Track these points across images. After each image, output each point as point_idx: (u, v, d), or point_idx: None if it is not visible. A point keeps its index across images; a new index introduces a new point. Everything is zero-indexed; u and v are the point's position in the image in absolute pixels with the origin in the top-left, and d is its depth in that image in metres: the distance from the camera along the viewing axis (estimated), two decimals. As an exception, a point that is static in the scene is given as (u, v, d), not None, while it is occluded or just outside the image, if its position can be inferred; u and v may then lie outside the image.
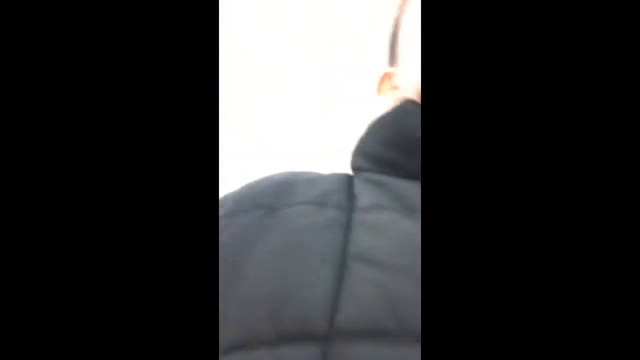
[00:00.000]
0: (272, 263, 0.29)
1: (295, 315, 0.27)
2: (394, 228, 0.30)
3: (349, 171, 0.42)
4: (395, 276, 0.28)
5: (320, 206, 0.32)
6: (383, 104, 0.43)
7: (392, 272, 0.28)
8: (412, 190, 0.33)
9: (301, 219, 0.32)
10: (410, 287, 0.28)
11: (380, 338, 0.26)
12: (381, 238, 0.30)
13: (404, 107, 0.39)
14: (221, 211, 0.34)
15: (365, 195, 0.33)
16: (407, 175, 0.35)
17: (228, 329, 0.28)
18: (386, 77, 0.47)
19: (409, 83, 0.41)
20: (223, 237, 0.32)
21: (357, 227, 0.30)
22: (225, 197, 0.36)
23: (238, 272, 0.30)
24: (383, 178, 0.35)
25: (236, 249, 0.31)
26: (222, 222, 0.33)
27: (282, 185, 0.35)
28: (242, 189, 0.36)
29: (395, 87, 0.44)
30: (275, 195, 0.34)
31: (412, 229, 0.30)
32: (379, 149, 0.38)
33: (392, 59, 0.47)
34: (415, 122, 0.36)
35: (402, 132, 0.37)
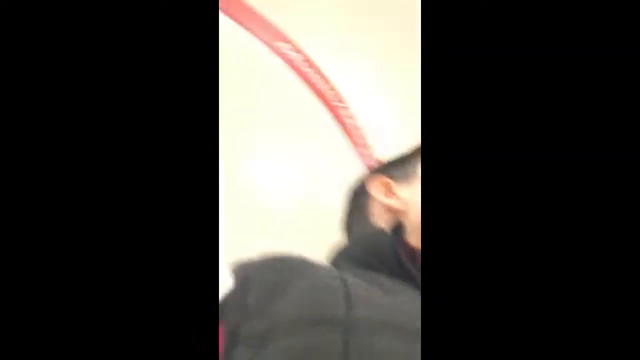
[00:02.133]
0: (304, 295, 0.43)
1: (327, 315, 0.41)
2: (379, 296, 0.46)
3: None
4: (387, 310, 0.43)
5: (328, 271, 0.48)
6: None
7: (382, 308, 0.43)
8: (382, 281, 0.50)
9: (317, 276, 0.46)
10: (399, 320, 0.42)
11: (382, 329, 0.40)
12: (368, 292, 0.45)
13: (376, 232, 0.59)
14: (254, 263, 0.49)
15: (351, 278, 0.47)
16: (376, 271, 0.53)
17: (279, 325, 0.40)
18: (390, 186, 0.64)
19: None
20: (261, 279, 0.46)
21: (353, 288, 0.44)
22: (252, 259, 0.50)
23: (276, 297, 0.43)
24: (360, 272, 0.51)
25: (273, 286, 0.44)
26: (258, 269, 0.47)
27: (297, 257, 0.50)
28: (268, 256, 0.50)
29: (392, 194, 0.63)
30: (295, 262, 0.49)
31: (390, 300, 0.45)
32: (358, 254, 0.57)
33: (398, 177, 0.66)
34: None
35: (376, 247, 0.56)
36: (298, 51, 1.81)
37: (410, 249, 0.56)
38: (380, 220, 0.62)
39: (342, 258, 0.58)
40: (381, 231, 0.59)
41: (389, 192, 0.63)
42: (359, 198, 0.68)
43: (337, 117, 1.89)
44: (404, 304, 0.45)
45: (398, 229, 0.58)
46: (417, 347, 0.38)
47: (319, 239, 0.73)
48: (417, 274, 0.52)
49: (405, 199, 0.61)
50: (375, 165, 0.69)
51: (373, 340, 0.39)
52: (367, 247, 0.57)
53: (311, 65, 1.84)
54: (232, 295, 0.45)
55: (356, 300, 0.43)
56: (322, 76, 1.85)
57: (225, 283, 0.46)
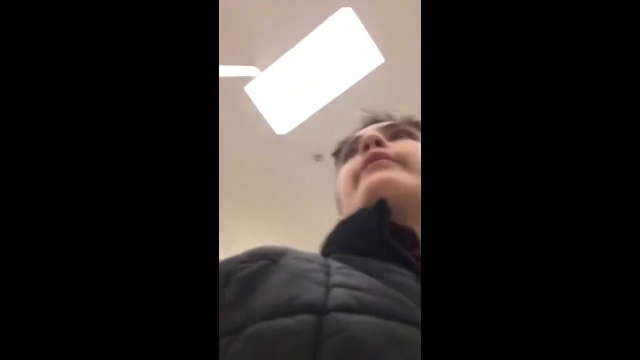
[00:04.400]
0: (281, 285, 0.43)
1: (302, 301, 0.40)
2: (357, 276, 0.45)
3: None
4: (364, 292, 0.42)
5: (309, 261, 0.47)
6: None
7: (360, 291, 0.42)
8: (365, 262, 0.49)
9: (296, 264, 0.46)
10: (375, 298, 0.41)
11: (354, 312, 0.39)
12: (350, 279, 0.44)
13: (358, 213, 0.57)
14: (236, 259, 0.48)
15: (336, 263, 0.48)
16: (362, 254, 0.52)
17: (255, 313, 0.40)
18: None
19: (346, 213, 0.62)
20: (240, 274, 0.45)
21: (334, 274, 0.45)
22: (237, 255, 0.50)
23: (254, 291, 0.43)
24: (346, 256, 0.51)
25: (252, 280, 0.44)
26: (239, 266, 0.46)
27: (281, 249, 0.50)
28: (250, 251, 0.49)
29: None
30: (277, 254, 0.48)
31: (372, 281, 0.44)
32: (344, 240, 0.55)
33: (340, 211, 0.69)
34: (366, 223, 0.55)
35: (360, 228, 0.55)
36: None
37: (395, 227, 0.55)
38: (364, 198, 0.60)
39: (329, 244, 0.56)
40: (364, 210, 0.57)
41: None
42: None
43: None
44: (386, 284, 0.44)
45: (382, 206, 0.56)
46: (393, 325, 0.39)
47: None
48: (403, 251, 0.51)
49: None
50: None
51: (349, 321, 0.38)
52: (351, 229, 0.56)
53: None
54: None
55: (334, 285, 0.42)
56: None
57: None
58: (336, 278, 0.44)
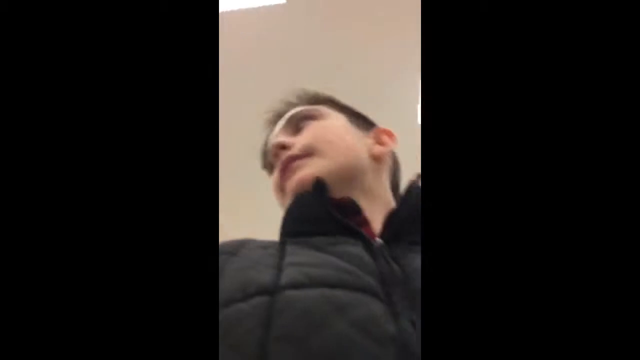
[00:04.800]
0: (238, 271, 0.47)
1: (255, 284, 0.43)
2: (307, 254, 0.49)
3: None
4: (313, 267, 0.45)
5: (264, 248, 0.52)
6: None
7: (310, 266, 0.46)
8: (315, 240, 0.53)
9: (253, 252, 0.51)
10: (323, 271, 0.45)
11: (303, 287, 0.43)
12: (301, 257, 0.48)
13: (299, 198, 0.60)
14: None
15: (290, 246, 0.52)
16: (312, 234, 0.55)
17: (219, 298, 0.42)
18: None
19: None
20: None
21: (287, 256, 0.48)
22: None
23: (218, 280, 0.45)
24: (299, 239, 0.54)
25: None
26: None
27: (240, 240, 0.54)
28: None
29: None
30: (236, 247, 0.53)
31: (321, 256, 0.48)
32: (294, 225, 0.59)
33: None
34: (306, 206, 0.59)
35: (303, 212, 0.59)
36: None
37: (338, 202, 0.58)
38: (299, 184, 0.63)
39: (282, 233, 0.59)
40: (303, 195, 0.60)
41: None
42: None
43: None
44: (334, 255, 0.48)
45: (319, 185, 0.59)
46: (339, 294, 0.41)
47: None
48: (346, 221, 0.54)
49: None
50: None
51: (298, 296, 0.41)
52: (297, 214, 0.59)
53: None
54: None
55: (286, 265, 0.46)
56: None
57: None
58: (288, 259, 0.47)
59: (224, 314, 0.41)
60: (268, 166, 0.72)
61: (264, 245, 0.52)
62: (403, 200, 0.58)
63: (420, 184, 0.60)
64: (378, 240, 0.53)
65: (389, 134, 0.71)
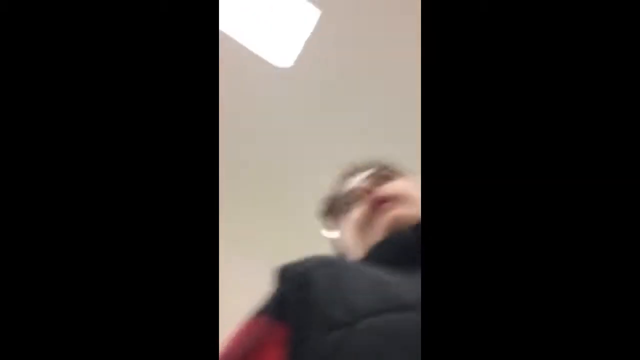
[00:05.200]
0: (369, 287, 0.48)
1: (398, 300, 0.45)
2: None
3: None
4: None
5: (373, 267, 0.55)
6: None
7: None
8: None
9: (369, 271, 0.53)
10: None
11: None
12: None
13: (399, 234, 0.65)
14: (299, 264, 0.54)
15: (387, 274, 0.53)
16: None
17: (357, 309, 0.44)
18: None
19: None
20: (316, 274, 0.51)
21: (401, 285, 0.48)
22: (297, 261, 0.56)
23: (339, 291, 0.47)
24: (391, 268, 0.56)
25: (332, 280, 0.50)
26: (305, 268, 0.52)
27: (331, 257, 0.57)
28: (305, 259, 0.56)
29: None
30: (330, 262, 0.54)
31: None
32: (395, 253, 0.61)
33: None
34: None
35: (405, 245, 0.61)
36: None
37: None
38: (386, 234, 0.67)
39: (374, 258, 0.62)
40: (406, 230, 0.63)
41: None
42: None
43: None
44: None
45: (418, 227, 0.62)
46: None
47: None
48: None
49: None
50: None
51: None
52: (396, 246, 0.62)
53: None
54: (292, 292, 0.49)
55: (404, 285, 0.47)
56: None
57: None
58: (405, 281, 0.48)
59: (378, 320, 0.42)
60: (343, 209, 0.76)
61: (370, 267, 0.55)
62: None
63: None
64: None
65: None
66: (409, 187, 0.72)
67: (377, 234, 0.66)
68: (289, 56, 1.86)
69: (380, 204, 0.69)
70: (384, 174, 0.76)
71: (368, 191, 0.71)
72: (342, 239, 0.75)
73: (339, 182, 0.81)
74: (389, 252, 0.62)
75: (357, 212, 0.71)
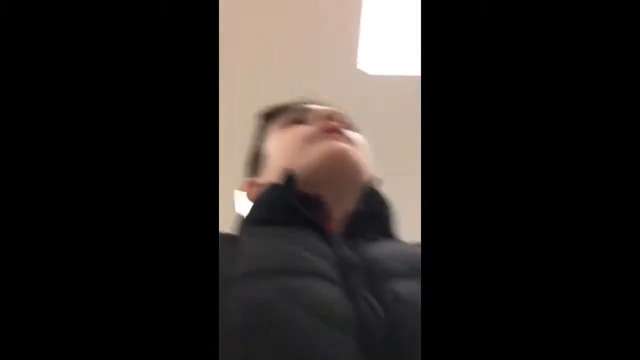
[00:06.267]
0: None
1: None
2: (263, 245, 0.51)
3: None
4: (264, 259, 0.47)
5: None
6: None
7: (262, 258, 0.47)
8: (273, 231, 0.55)
9: None
10: (276, 261, 0.46)
11: (256, 276, 0.44)
12: (255, 249, 0.49)
13: (269, 186, 0.63)
14: None
15: (246, 237, 0.54)
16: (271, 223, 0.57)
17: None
18: (252, 184, 0.72)
19: (275, 175, 0.65)
20: None
21: (242, 247, 0.50)
22: None
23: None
24: (258, 229, 0.57)
25: None
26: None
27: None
28: None
29: (259, 186, 0.68)
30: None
31: (274, 244, 0.50)
32: (257, 213, 0.61)
33: (255, 171, 0.73)
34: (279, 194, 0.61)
35: (271, 199, 0.61)
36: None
37: (304, 195, 0.60)
38: (320, 160, 0.64)
39: (245, 220, 0.62)
40: (274, 185, 0.62)
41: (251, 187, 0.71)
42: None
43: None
44: (289, 245, 0.49)
45: (290, 179, 0.61)
46: (288, 282, 0.42)
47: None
48: (310, 214, 0.56)
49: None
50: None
51: (248, 287, 0.42)
52: (262, 204, 0.62)
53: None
54: None
55: (242, 256, 0.47)
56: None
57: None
58: (244, 248, 0.49)
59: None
60: (292, 119, 0.72)
61: (221, 237, 0.53)
62: (361, 199, 0.61)
63: (375, 186, 0.63)
64: (336, 232, 0.56)
65: None
66: (362, 142, 0.70)
67: (308, 158, 0.64)
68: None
69: (331, 131, 0.66)
70: (348, 123, 0.72)
71: (328, 117, 0.68)
72: (266, 148, 0.72)
73: (300, 101, 0.77)
74: (253, 211, 0.62)
75: (302, 129, 0.68)
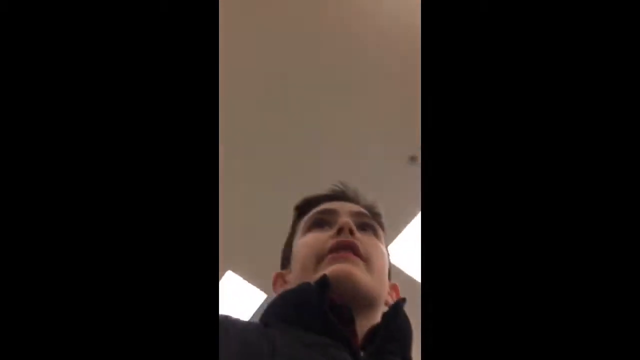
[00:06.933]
0: (238, 355, 0.51)
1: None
2: (300, 350, 0.54)
3: None
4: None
5: (255, 332, 0.56)
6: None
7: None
8: (304, 334, 0.57)
9: (244, 335, 0.55)
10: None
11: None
12: (294, 352, 0.53)
13: (301, 287, 0.64)
14: None
15: (279, 337, 0.55)
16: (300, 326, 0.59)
17: None
18: (280, 276, 0.73)
19: (296, 278, 0.68)
20: None
21: (280, 347, 0.53)
22: None
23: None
24: (287, 327, 0.58)
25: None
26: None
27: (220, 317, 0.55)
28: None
29: (286, 282, 0.71)
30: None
31: (310, 355, 0.53)
32: (285, 310, 0.62)
33: (285, 264, 0.74)
34: (305, 296, 0.62)
35: (301, 301, 0.61)
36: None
37: (335, 304, 0.60)
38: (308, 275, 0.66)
39: (271, 313, 0.63)
40: (306, 286, 0.63)
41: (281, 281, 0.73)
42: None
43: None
44: (321, 357, 0.52)
45: (323, 283, 0.61)
46: None
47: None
48: (339, 326, 0.57)
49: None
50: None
51: None
52: (292, 302, 0.62)
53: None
54: None
55: (279, 355, 0.49)
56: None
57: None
58: (281, 350, 0.51)
59: None
60: (313, 221, 0.73)
61: (251, 329, 0.56)
62: (386, 318, 0.62)
63: (399, 306, 0.63)
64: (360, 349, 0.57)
65: (397, 292, 0.76)
66: (379, 252, 0.70)
67: (315, 274, 0.64)
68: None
69: (344, 248, 0.66)
70: (370, 222, 0.73)
71: (349, 230, 0.68)
72: (294, 247, 0.73)
73: (331, 193, 0.78)
74: (278, 306, 0.63)
75: (317, 237, 0.69)
